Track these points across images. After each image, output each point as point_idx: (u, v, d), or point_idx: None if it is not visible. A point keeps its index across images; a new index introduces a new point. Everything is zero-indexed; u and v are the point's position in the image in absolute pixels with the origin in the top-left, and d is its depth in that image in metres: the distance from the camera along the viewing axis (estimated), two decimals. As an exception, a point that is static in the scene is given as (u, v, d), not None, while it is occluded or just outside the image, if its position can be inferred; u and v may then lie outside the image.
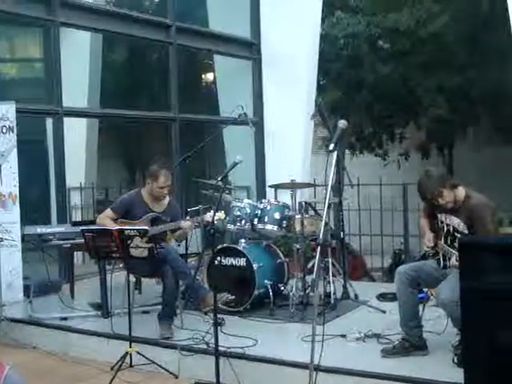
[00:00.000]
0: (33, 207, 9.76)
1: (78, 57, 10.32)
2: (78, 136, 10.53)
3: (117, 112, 9.35)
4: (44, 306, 6.39)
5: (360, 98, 12.92)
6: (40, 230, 6.57)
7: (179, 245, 6.21)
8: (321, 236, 3.96)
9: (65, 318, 6.03)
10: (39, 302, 6.48)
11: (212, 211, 5.45)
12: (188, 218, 5.82)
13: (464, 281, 3.70)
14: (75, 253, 7.11)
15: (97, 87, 11.06)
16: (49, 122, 8.34)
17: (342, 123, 4.14)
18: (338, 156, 4.13)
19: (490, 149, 14.37)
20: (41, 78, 10.11)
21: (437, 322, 5.02)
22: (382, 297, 6.39)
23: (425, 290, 5.34)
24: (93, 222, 6.19)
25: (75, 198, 10.13)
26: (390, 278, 8.58)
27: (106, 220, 5.68)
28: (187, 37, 9.21)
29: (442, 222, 4.68)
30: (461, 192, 4.56)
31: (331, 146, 4.01)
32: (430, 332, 4.91)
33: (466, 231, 4.51)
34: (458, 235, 4.53)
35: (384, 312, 5.91)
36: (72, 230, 6.52)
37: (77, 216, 9.88)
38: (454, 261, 4.37)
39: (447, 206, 4.53)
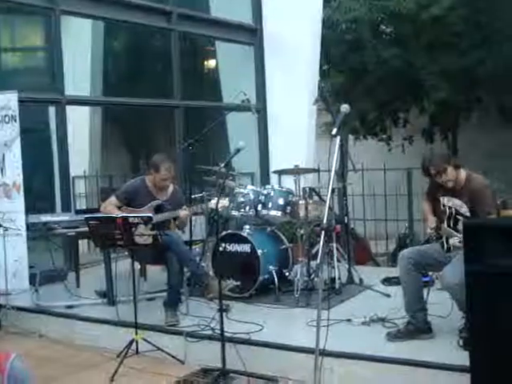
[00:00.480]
0: (37, 196, 9.81)
1: (80, 45, 10.31)
2: (81, 124, 10.52)
3: (119, 100, 9.34)
4: (50, 295, 6.41)
5: (363, 82, 12.86)
6: (45, 218, 6.59)
7: (184, 232, 6.22)
8: (324, 221, 3.95)
9: (70, 306, 6.05)
10: (45, 290, 6.50)
11: (216, 198, 5.44)
12: (185, 206, 5.81)
13: (469, 264, 3.69)
14: (80, 241, 7.12)
15: (99, 75, 11.05)
16: (52, 110, 8.35)
17: (345, 107, 4.12)
18: (341, 141, 4.12)
19: (494, 132, 14.31)
20: (43, 67, 10.11)
21: (442, 306, 5.00)
22: (387, 281, 6.40)
23: (429, 273, 5.35)
24: (97, 210, 6.20)
25: (79, 187, 10.15)
26: (395, 263, 8.58)
27: (110, 207, 5.69)
28: (188, 23, 9.17)
29: (444, 206, 4.69)
30: (462, 173, 4.58)
31: (334, 131, 4.00)
32: (435, 316, 4.91)
33: (468, 213, 4.52)
34: (460, 218, 4.55)
35: (389, 296, 5.91)
36: (76, 219, 6.53)
37: (81, 204, 9.90)
38: (455, 241, 4.38)
39: (448, 184, 4.55)
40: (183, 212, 5.71)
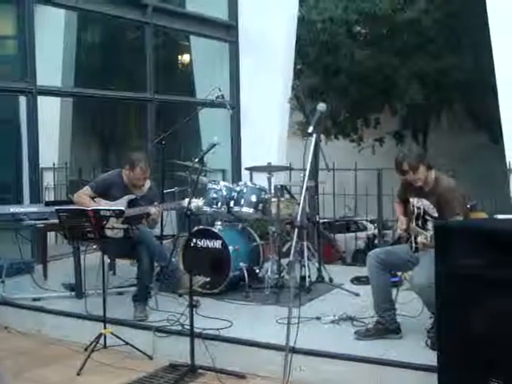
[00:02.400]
0: (5, 187, 9.66)
1: (53, 35, 10.18)
2: (51, 115, 10.39)
3: (92, 92, 9.23)
4: (16, 287, 6.31)
5: (336, 82, 12.94)
6: (13, 209, 6.46)
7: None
8: (298, 218, 3.97)
9: (38, 299, 5.97)
10: (12, 282, 6.39)
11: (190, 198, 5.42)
12: (156, 203, 5.76)
13: (439, 265, 3.74)
14: (48, 233, 7.03)
15: (71, 66, 10.92)
16: (22, 100, 8.20)
17: (322, 106, 4.13)
18: (316, 139, 4.13)
19: (463, 136, 14.51)
20: (14, 56, 9.94)
21: (410, 306, 5.06)
22: (357, 280, 6.44)
23: (398, 273, 5.41)
24: (66, 202, 6.13)
25: (48, 178, 10.01)
26: (364, 262, 8.64)
27: (84, 197, 5.64)
28: (164, 17, 9.10)
29: (413, 206, 4.75)
30: (432, 175, 4.65)
31: (310, 129, 4.01)
32: (404, 315, 4.96)
33: (436, 214, 4.59)
34: (429, 218, 4.61)
35: (358, 295, 5.96)
36: (45, 210, 6.43)
37: (50, 196, 9.78)
38: (422, 239, 4.44)
39: (417, 182, 4.62)
40: (153, 209, 5.64)
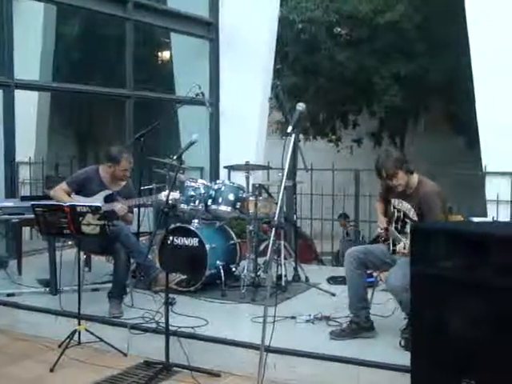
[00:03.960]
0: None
1: (31, 28, 10.08)
2: (28, 110, 10.29)
3: (70, 86, 9.16)
4: (-10, 282, 6.27)
5: (316, 83, 12.98)
6: (-13, 204, 6.41)
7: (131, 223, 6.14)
8: (276, 218, 3.97)
9: (12, 294, 5.92)
10: (-15, 277, 6.35)
11: (167, 191, 5.40)
12: (121, 199, 5.69)
13: (414, 266, 3.76)
14: (23, 228, 6.97)
15: (49, 60, 10.82)
16: (-1, 94, 8.12)
17: (301, 106, 4.12)
18: (295, 139, 4.13)
19: (440, 139, 14.63)
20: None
21: (385, 306, 5.11)
22: (332, 280, 6.47)
23: (374, 274, 5.44)
24: (42, 198, 6.08)
25: (24, 173, 9.92)
26: (339, 263, 8.69)
27: (60, 193, 5.61)
28: (144, 13, 9.04)
29: (394, 207, 4.78)
30: (414, 178, 4.68)
31: (289, 129, 4.00)
32: (379, 316, 5.00)
33: (416, 218, 4.61)
34: (408, 221, 4.64)
35: (334, 295, 5.99)
36: (21, 205, 6.36)
37: (25, 191, 9.69)
38: (400, 247, 4.47)
39: (398, 188, 4.64)
40: (118, 206, 5.58)
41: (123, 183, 5.81)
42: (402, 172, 4.58)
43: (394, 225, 4.74)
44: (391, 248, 4.77)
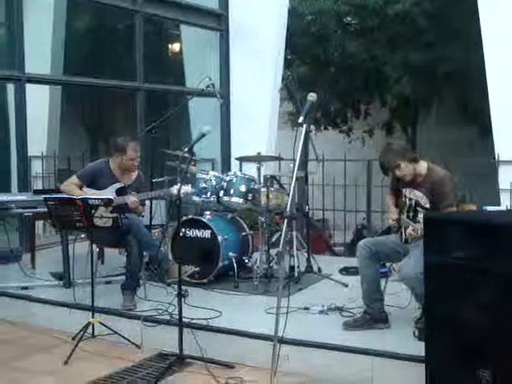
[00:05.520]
0: (-8, 175, 9.59)
1: (42, 22, 10.07)
2: (40, 103, 10.30)
3: (81, 80, 9.17)
4: (4, 275, 6.30)
5: (327, 73, 12.93)
6: (1, 198, 6.43)
7: (143, 216, 6.16)
8: (288, 209, 3.96)
9: (26, 288, 5.95)
10: (-1, 270, 6.39)
11: (178, 184, 5.40)
12: (133, 192, 5.70)
13: (428, 255, 3.74)
14: (36, 222, 7.00)
15: (60, 54, 10.81)
16: (10, 88, 8.14)
17: (312, 96, 4.09)
18: (306, 130, 4.11)
19: (452, 128, 14.54)
20: (3, 43, 9.85)
21: (398, 297, 5.09)
22: (345, 271, 6.46)
23: (387, 264, 5.42)
24: (55, 191, 6.09)
25: (36, 167, 9.95)
26: (352, 253, 8.66)
27: (72, 186, 5.62)
28: (154, 5, 9.03)
29: (405, 197, 4.76)
30: (422, 166, 4.65)
31: (300, 119, 3.99)
32: (392, 306, 4.98)
33: (428, 205, 4.60)
34: (420, 209, 4.62)
35: (346, 285, 5.98)
36: (34, 199, 6.39)
37: (37, 185, 9.72)
38: (410, 230, 4.45)
39: (405, 178, 4.63)
40: (131, 198, 5.59)
41: (134, 175, 5.81)
42: (404, 162, 4.56)
43: (405, 214, 4.72)
44: (403, 238, 4.75)
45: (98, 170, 5.76)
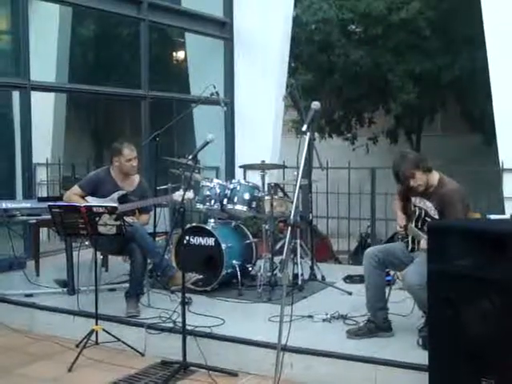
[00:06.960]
0: (-3, 182, 9.63)
1: (47, 30, 10.14)
2: (45, 111, 10.36)
3: (86, 87, 9.20)
4: (8, 283, 6.32)
5: (331, 81, 12.94)
6: (5, 205, 6.44)
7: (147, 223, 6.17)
8: (292, 217, 3.96)
9: (30, 295, 5.95)
10: (3, 278, 6.41)
11: (181, 190, 5.42)
12: (134, 198, 5.74)
13: (431, 264, 3.74)
14: (41, 229, 7.02)
15: (65, 61, 10.88)
16: (16, 95, 8.18)
17: (316, 104, 4.10)
18: (310, 138, 4.12)
19: (456, 136, 14.54)
20: (8, 51, 9.90)
21: (402, 305, 5.08)
22: (349, 279, 6.45)
23: (391, 272, 5.41)
24: (59, 199, 6.11)
25: (41, 174, 9.99)
26: (356, 261, 8.66)
27: (74, 197, 5.62)
28: (159, 14, 9.06)
29: (414, 206, 4.73)
30: (434, 176, 4.61)
31: (304, 127, 4.00)
32: (396, 314, 4.97)
33: (437, 216, 4.56)
34: (428, 219, 4.58)
35: (350, 294, 5.97)
36: (38, 206, 6.41)
37: (42, 192, 9.76)
38: (423, 243, 4.41)
39: (418, 188, 4.58)
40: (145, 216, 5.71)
41: (136, 182, 5.82)
42: (419, 172, 4.52)
43: (414, 223, 4.69)
44: (410, 246, 4.73)
45: (99, 179, 5.76)
